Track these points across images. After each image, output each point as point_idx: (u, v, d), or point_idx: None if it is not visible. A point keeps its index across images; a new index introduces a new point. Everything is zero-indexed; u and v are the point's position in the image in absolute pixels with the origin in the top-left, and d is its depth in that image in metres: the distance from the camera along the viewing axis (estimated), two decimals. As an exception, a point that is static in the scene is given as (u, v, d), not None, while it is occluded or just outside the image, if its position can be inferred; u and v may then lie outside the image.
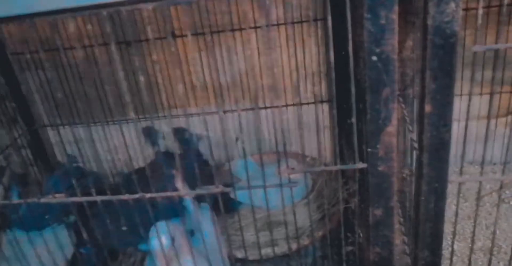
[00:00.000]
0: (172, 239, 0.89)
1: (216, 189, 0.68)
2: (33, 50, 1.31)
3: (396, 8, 0.50)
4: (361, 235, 0.96)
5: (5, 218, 1.06)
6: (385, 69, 0.53)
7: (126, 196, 0.60)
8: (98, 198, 0.62)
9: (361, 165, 0.59)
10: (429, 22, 0.49)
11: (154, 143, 1.24)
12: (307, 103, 1.33)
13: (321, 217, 1.15)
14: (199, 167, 0.68)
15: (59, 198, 0.64)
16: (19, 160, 1.27)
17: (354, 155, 0.62)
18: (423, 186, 0.59)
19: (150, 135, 1.27)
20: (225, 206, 1.24)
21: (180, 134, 1.28)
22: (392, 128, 0.56)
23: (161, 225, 0.88)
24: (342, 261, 1.02)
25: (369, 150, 0.57)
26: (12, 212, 1.06)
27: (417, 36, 0.66)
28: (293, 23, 1.26)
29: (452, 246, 0.70)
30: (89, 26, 1.24)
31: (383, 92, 0.54)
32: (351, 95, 0.58)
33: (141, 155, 1.28)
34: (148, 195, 0.60)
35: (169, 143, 1.35)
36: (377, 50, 0.52)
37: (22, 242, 0.90)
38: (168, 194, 0.62)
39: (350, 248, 1.05)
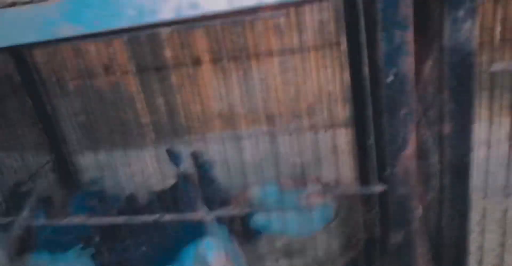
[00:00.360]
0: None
1: (238, 210, 0.68)
2: (60, 77, 1.37)
3: (411, 27, 0.50)
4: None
5: (30, 240, 1.08)
6: (402, 89, 0.52)
7: (146, 217, 0.60)
8: (119, 220, 0.63)
9: (380, 188, 0.57)
10: (446, 41, 0.49)
11: (177, 164, 1.26)
12: (325, 128, 1.32)
13: (343, 244, 1.12)
14: (212, 192, 0.68)
15: (82, 219, 0.65)
16: (46, 184, 1.30)
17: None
18: (444, 209, 0.56)
19: (173, 156, 1.29)
20: (246, 234, 1.24)
21: (196, 157, 1.29)
22: (410, 150, 0.54)
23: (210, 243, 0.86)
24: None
25: (387, 172, 0.56)
26: (38, 234, 1.08)
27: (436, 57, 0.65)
28: (308, 49, 1.27)
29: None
30: (110, 49, 1.28)
31: (400, 113, 0.53)
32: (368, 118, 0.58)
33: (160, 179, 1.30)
34: (167, 216, 0.60)
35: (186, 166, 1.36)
36: (393, 70, 0.52)
37: (47, 264, 0.91)
38: (189, 215, 0.62)
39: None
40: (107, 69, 1.38)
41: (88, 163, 1.44)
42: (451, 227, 0.56)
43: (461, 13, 0.47)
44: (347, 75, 0.71)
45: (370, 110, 0.58)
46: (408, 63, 0.51)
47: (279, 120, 1.33)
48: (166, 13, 0.50)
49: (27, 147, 1.35)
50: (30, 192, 1.16)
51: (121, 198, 1.17)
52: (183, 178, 1.26)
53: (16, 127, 1.35)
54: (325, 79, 1.28)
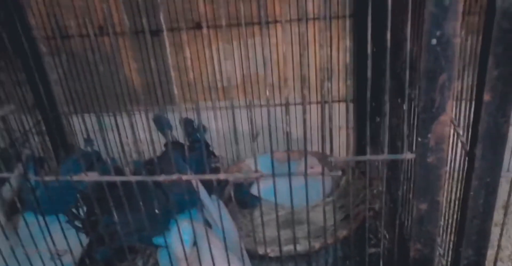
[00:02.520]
0: (194, 239, 0.86)
1: (233, 175, 0.66)
2: (51, 36, 1.31)
3: (462, -12, 0.48)
4: (386, 236, 0.93)
5: (21, 201, 1.04)
6: (444, 54, 0.50)
7: (162, 177, 0.58)
8: (132, 178, 0.60)
9: (409, 155, 0.56)
10: (498, 3, 0.47)
11: (164, 132, 1.22)
12: (333, 102, 1.31)
13: (343, 217, 1.12)
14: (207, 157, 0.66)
15: (92, 176, 0.62)
16: (37, 145, 1.25)
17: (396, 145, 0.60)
18: (473, 181, 0.56)
19: (160, 123, 1.25)
20: (243, 201, 1.23)
21: (187, 124, 1.26)
22: (446, 117, 0.53)
23: (184, 224, 0.85)
24: (364, 262, 0.99)
25: (419, 139, 0.54)
26: (28, 194, 1.04)
27: (470, 19, 0.63)
28: (323, 18, 1.24)
29: (498, 247, 0.67)
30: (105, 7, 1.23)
31: (440, 79, 0.52)
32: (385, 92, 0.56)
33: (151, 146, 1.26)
34: (185, 177, 0.58)
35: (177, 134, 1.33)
36: (438, 33, 0.50)
37: (37, 226, 0.88)
38: (205, 176, 0.59)
39: (373, 249, 1.02)
40: (101, 29, 1.33)
41: (78, 126, 1.40)
42: (477, 197, 0.56)
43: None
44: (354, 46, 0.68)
45: (386, 81, 0.56)
46: (454, 26, 0.49)
47: (282, 92, 1.31)
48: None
49: (19, 108, 1.30)
50: (22, 152, 1.12)
51: (112, 162, 1.14)
52: (172, 145, 1.23)
53: (5, 87, 1.29)
54: (336, 52, 1.26)
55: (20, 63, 1.32)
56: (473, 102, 0.56)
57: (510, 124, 0.52)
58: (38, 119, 1.36)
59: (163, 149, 1.23)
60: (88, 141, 1.09)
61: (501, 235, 0.64)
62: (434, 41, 0.50)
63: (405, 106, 0.55)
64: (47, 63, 1.34)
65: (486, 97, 0.51)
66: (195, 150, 1.14)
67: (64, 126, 1.40)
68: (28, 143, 1.20)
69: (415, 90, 0.59)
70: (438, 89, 0.52)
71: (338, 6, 1.20)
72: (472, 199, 0.56)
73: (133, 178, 0.61)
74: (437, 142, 0.55)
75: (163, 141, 1.21)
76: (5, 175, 0.88)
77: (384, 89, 0.58)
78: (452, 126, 0.68)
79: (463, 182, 0.58)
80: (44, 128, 1.38)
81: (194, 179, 0.60)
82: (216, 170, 1.24)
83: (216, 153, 1.35)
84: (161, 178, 0.59)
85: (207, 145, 1.27)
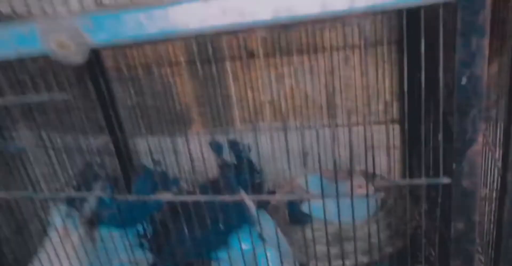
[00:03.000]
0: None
1: (285, 196, 0.74)
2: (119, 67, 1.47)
3: (487, 34, 0.55)
4: (432, 253, 0.98)
5: (98, 215, 1.18)
6: (474, 91, 0.57)
7: (226, 197, 0.68)
8: (202, 198, 0.70)
9: (446, 180, 0.63)
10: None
11: (220, 155, 1.33)
12: (378, 123, 1.37)
13: (390, 234, 1.17)
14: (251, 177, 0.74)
15: (166, 196, 0.73)
16: (109, 165, 1.40)
17: (429, 174, 0.66)
18: (506, 204, 0.61)
19: (217, 147, 1.37)
20: (295, 219, 1.31)
21: (234, 145, 1.37)
22: (477, 146, 0.59)
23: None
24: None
25: (454, 166, 0.61)
26: (104, 209, 1.18)
27: (501, 61, 0.69)
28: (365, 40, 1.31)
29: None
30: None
31: (471, 113, 0.58)
32: (432, 115, 0.63)
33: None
34: (245, 196, 0.67)
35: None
36: (467, 73, 0.57)
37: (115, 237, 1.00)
38: (262, 197, 0.69)
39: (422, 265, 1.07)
40: (162, 60, 1.47)
41: (142, 147, 1.55)
42: (511, 220, 0.61)
43: (537, 23, 0.52)
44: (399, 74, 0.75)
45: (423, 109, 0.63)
46: (481, 67, 0.56)
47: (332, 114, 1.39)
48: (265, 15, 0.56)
49: (89, 131, 1.46)
50: (98, 172, 1.26)
51: (178, 181, 1.26)
52: (226, 168, 1.34)
53: (80, 112, 1.46)
54: (381, 78, 1.33)
55: (93, 90, 1.48)
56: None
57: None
58: (107, 141, 1.51)
59: (219, 170, 1.35)
60: (156, 161, 1.22)
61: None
62: (464, 80, 0.57)
63: (440, 136, 0.62)
64: (116, 90, 1.51)
65: (514, 128, 0.57)
66: (242, 169, 1.25)
67: (130, 148, 1.55)
68: (103, 163, 1.35)
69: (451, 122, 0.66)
70: (470, 122, 0.59)
71: (383, 32, 1.28)
72: (506, 222, 0.62)
73: (202, 198, 0.71)
74: (471, 168, 0.61)
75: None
76: (85, 193, 1.01)
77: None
78: (491, 152, 0.74)
79: (497, 205, 0.64)
80: (113, 149, 1.53)
81: (253, 199, 0.69)
82: (259, 186, 1.34)
83: (268, 171, 1.45)
84: (226, 197, 0.69)
85: (252, 164, 1.37)
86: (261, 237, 1.06)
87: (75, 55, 0.67)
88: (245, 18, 0.57)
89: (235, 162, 1.35)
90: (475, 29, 0.55)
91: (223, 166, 1.35)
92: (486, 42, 0.55)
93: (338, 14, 0.55)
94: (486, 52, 0.56)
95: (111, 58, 1.45)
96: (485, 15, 0.53)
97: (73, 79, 1.40)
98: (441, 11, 0.57)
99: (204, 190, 1.25)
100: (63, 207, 1.10)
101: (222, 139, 1.42)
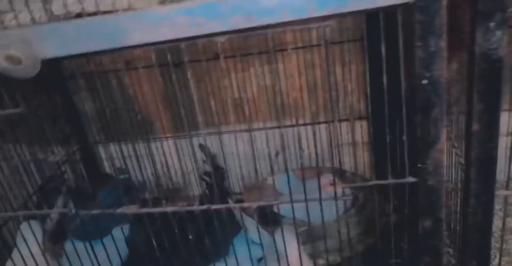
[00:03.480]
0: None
1: (263, 202, 0.74)
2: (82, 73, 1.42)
3: (445, 36, 0.56)
4: (403, 247, 1.00)
5: (63, 230, 1.14)
6: (435, 92, 0.58)
7: (194, 207, 0.66)
8: (169, 209, 0.68)
9: (411, 179, 0.63)
10: (476, 49, 0.54)
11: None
12: (344, 120, 1.38)
13: (360, 231, 1.18)
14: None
15: (132, 209, 0.71)
16: (73, 174, 1.36)
17: (397, 170, 0.67)
18: (470, 199, 0.63)
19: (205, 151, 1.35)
20: (266, 219, 1.30)
21: (206, 151, 1.35)
22: (441, 145, 0.60)
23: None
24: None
25: (419, 165, 0.62)
26: (69, 223, 1.14)
27: (462, 59, 0.70)
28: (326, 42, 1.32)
29: (500, 259, 0.74)
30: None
31: (433, 113, 0.59)
32: (398, 114, 0.63)
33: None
34: (213, 206, 0.66)
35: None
36: (427, 74, 0.57)
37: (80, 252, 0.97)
38: (231, 205, 0.68)
39: (391, 261, 1.08)
40: (128, 64, 1.43)
41: (110, 154, 1.50)
42: (476, 214, 0.63)
43: (492, 24, 0.53)
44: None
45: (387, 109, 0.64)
46: (441, 67, 0.57)
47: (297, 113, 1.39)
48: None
49: (54, 140, 1.41)
50: (59, 186, 1.22)
51: (147, 188, 1.23)
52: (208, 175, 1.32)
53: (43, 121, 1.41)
54: (348, 75, 1.34)
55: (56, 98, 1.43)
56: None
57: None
58: (73, 150, 1.46)
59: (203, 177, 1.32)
60: (121, 169, 1.18)
61: (501, 245, 0.70)
62: (425, 81, 0.58)
63: (404, 137, 0.63)
64: (79, 97, 1.46)
65: (475, 127, 0.58)
66: (219, 175, 1.23)
67: (96, 156, 1.51)
68: (65, 175, 1.30)
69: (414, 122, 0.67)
70: (432, 122, 0.60)
71: (346, 31, 1.29)
72: (471, 216, 0.63)
73: (169, 209, 0.69)
74: (435, 167, 0.62)
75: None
76: (47, 211, 0.97)
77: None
78: (453, 148, 0.76)
79: (461, 200, 0.65)
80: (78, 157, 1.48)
81: (223, 207, 0.68)
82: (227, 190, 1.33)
83: (238, 173, 1.44)
84: (194, 208, 0.67)
85: (221, 168, 1.36)
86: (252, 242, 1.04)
87: (26, 69, 0.63)
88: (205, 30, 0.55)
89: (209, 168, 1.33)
90: (433, 31, 0.55)
91: (205, 173, 1.33)
92: (444, 43, 0.56)
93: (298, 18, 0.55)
94: (445, 53, 0.56)
95: (68, 67, 1.40)
96: (442, 17, 0.54)
97: (30, 90, 1.35)
98: (399, 13, 0.57)
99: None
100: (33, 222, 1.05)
101: (188, 144, 1.40)
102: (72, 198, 1.22)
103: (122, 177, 1.29)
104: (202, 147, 1.34)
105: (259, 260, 1.06)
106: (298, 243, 0.77)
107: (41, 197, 0.93)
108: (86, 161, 1.42)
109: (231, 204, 0.70)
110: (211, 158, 1.33)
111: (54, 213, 1.07)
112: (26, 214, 0.95)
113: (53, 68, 1.31)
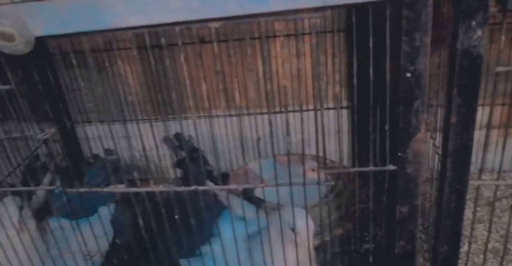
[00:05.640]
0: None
1: (247, 185, 0.77)
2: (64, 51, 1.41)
3: (429, 32, 0.58)
4: (378, 233, 1.04)
5: (49, 206, 1.14)
6: (417, 84, 0.61)
7: (182, 188, 0.68)
8: (157, 189, 0.70)
9: (391, 167, 0.67)
10: (458, 46, 0.57)
11: (175, 150, 1.33)
12: (328, 109, 1.41)
13: (339, 216, 1.22)
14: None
15: (120, 188, 0.73)
16: (61, 153, 1.36)
17: (376, 158, 0.70)
18: (445, 187, 0.66)
19: (171, 143, 1.37)
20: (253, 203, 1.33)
21: (180, 137, 1.37)
22: (421, 136, 0.64)
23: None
24: (360, 257, 1.10)
25: (399, 154, 0.65)
26: (55, 200, 1.14)
27: (443, 54, 0.74)
28: (317, 33, 1.34)
29: (469, 246, 0.78)
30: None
31: (415, 104, 0.62)
32: (379, 104, 0.66)
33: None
34: (201, 188, 0.68)
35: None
36: (411, 68, 0.60)
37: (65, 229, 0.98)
38: (218, 187, 0.70)
39: (367, 245, 1.13)
40: (110, 44, 1.42)
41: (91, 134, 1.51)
42: (450, 201, 0.67)
43: (474, 23, 0.56)
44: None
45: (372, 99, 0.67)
46: (424, 62, 0.60)
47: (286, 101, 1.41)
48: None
49: (34, 119, 1.40)
50: (47, 163, 1.22)
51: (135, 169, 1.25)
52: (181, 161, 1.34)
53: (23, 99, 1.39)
54: (331, 64, 1.36)
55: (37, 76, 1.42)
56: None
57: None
58: (55, 130, 1.46)
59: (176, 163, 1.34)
60: (108, 150, 1.19)
61: (471, 233, 0.75)
62: (408, 74, 0.61)
63: (386, 127, 0.66)
64: (62, 76, 1.45)
65: (453, 119, 0.62)
66: (194, 159, 1.25)
67: (78, 136, 1.51)
68: (51, 154, 1.30)
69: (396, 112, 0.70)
70: (414, 113, 0.63)
71: (332, 22, 1.31)
72: (445, 203, 0.67)
73: (157, 189, 0.71)
74: (415, 156, 0.65)
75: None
76: (35, 187, 0.98)
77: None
78: (432, 140, 0.79)
79: (437, 188, 0.69)
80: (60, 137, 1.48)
81: (211, 188, 0.70)
82: (211, 173, 1.36)
83: (223, 157, 1.46)
84: (181, 188, 0.70)
85: (198, 152, 1.38)
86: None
87: (20, 46, 0.64)
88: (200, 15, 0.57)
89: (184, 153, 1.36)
90: (418, 27, 0.58)
91: (179, 160, 1.35)
92: (428, 39, 0.59)
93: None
94: (429, 48, 0.59)
95: (56, 45, 1.38)
96: (428, 14, 0.56)
97: (17, 67, 1.33)
98: (387, 9, 0.59)
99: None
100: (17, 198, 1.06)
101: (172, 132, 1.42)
102: (59, 176, 1.23)
103: (110, 158, 1.30)
104: (178, 136, 1.36)
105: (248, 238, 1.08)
106: (306, 218, 0.81)
107: (28, 173, 0.94)
108: (72, 140, 1.42)
109: (218, 186, 0.72)
110: (186, 143, 1.35)
111: (41, 190, 1.08)
112: (11, 190, 0.96)
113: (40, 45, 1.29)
